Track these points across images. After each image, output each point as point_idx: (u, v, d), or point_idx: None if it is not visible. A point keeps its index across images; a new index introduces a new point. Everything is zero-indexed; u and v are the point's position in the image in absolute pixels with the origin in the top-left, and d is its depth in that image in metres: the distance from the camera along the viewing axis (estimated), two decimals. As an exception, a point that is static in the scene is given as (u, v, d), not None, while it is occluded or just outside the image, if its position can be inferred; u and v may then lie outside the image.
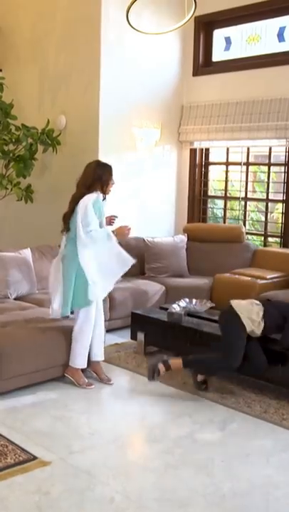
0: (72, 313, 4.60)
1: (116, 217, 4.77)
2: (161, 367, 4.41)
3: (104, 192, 4.50)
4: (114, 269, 4.54)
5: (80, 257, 4.40)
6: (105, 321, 5.68)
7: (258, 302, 4.45)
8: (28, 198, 7.02)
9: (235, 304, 4.40)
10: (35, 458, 3.41)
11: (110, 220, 4.72)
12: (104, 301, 4.79)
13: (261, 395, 4.41)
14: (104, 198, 4.53)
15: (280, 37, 6.76)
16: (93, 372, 4.66)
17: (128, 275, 6.56)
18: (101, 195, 4.47)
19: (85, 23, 6.80)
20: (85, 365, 4.57)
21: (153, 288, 6.31)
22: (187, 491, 3.16)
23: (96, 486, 3.16)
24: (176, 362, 4.42)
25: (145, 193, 7.33)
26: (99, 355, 4.67)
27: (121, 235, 4.53)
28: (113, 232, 4.48)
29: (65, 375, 4.57)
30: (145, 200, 7.32)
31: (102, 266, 4.45)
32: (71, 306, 4.52)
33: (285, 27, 6.72)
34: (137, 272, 6.74)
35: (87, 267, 4.41)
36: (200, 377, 4.50)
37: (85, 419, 4.05)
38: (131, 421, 4.11)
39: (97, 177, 4.45)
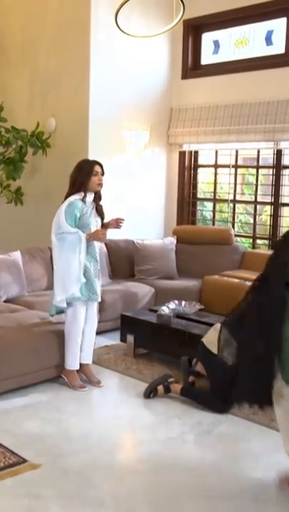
0: (62, 312, 4.62)
1: (123, 220, 4.64)
2: (160, 388, 4.42)
3: (87, 188, 4.44)
4: (72, 279, 4.42)
5: (53, 258, 4.47)
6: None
7: (217, 326, 4.03)
8: (18, 200, 7.02)
9: (206, 341, 4.25)
10: (25, 461, 3.42)
11: (117, 223, 4.63)
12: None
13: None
14: (93, 198, 4.51)
15: (268, 40, 6.82)
16: (83, 374, 4.66)
17: (118, 277, 6.64)
18: (82, 195, 4.42)
19: (75, 26, 6.82)
20: (76, 367, 4.58)
21: (142, 290, 6.34)
22: (177, 494, 3.18)
23: (86, 489, 3.18)
24: (176, 387, 4.42)
25: (134, 195, 7.35)
26: (87, 358, 4.68)
27: (94, 237, 4.45)
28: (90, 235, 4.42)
29: (61, 375, 4.60)
30: (134, 203, 7.35)
31: (65, 270, 4.41)
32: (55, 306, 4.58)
33: (272, 31, 6.77)
34: (126, 274, 6.78)
35: (55, 269, 4.45)
36: (191, 378, 4.53)
37: (75, 421, 4.06)
38: (121, 423, 4.13)
39: (80, 172, 4.45)
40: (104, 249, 6.50)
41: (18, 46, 7.53)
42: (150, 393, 4.40)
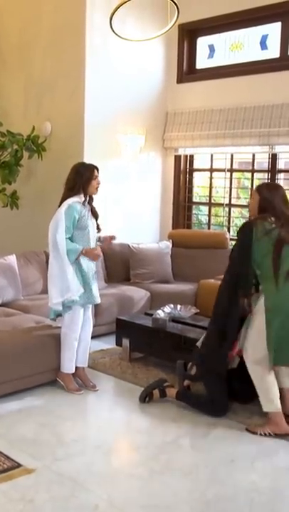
0: (60, 315, 4.60)
1: (114, 238, 4.90)
2: (155, 392, 4.41)
3: (87, 192, 4.50)
4: (69, 282, 4.42)
5: (49, 260, 4.49)
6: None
7: None
8: (13, 204, 7.01)
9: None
10: (19, 465, 3.41)
11: (111, 241, 4.90)
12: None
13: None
14: (88, 200, 4.53)
15: (263, 45, 6.84)
16: (78, 378, 4.65)
17: (113, 281, 6.64)
18: (82, 198, 4.47)
19: (70, 30, 6.82)
20: (72, 370, 4.58)
21: (138, 294, 6.33)
22: (172, 497, 3.17)
23: (80, 493, 3.17)
24: (171, 391, 4.42)
25: (130, 199, 7.36)
26: (82, 362, 4.67)
27: (89, 255, 4.49)
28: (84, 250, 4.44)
29: (57, 379, 4.59)
30: (130, 207, 7.35)
31: (62, 272, 4.41)
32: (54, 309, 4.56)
33: (267, 35, 6.79)
34: (122, 277, 6.77)
35: (50, 271, 4.46)
36: (186, 382, 4.52)
37: (70, 425, 4.05)
38: (116, 427, 4.12)
39: (79, 177, 4.47)
40: (100, 253, 6.47)
41: (13, 50, 7.53)
42: (146, 397, 4.39)
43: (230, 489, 3.26)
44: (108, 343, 5.67)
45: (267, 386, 3.92)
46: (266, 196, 4.05)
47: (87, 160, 6.62)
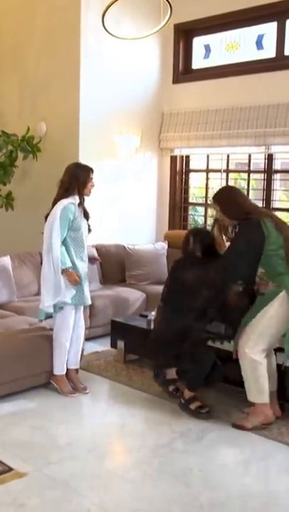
0: (51, 317, 4.57)
1: (99, 260, 5.31)
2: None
3: (82, 194, 4.49)
4: (62, 284, 4.40)
5: (43, 262, 4.46)
6: (86, 328, 5.68)
7: None
8: (8, 205, 6.97)
9: None
10: (11, 469, 3.37)
11: (94, 261, 5.08)
12: (84, 308, 4.78)
13: (240, 403, 4.39)
14: (81, 202, 4.50)
15: (259, 45, 6.80)
16: (69, 380, 4.60)
17: (109, 282, 6.60)
18: (77, 199, 4.45)
19: (64, 31, 6.79)
20: (63, 372, 4.54)
21: (134, 295, 6.30)
22: (164, 502, 3.14)
23: (72, 498, 3.13)
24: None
25: (126, 200, 7.32)
26: (74, 363, 4.63)
27: (69, 277, 4.39)
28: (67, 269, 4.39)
29: (51, 381, 4.55)
30: (126, 207, 7.31)
31: (55, 275, 4.38)
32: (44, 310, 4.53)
33: (263, 35, 6.76)
34: (117, 279, 6.74)
35: (44, 273, 4.43)
36: (171, 388, 4.49)
37: (63, 429, 4.01)
38: (109, 430, 4.09)
39: (75, 178, 4.44)
40: (95, 254, 6.44)
41: (7, 51, 7.50)
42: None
43: (224, 493, 3.23)
44: (103, 345, 5.64)
45: (260, 377, 3.93)
46: (227, 202, 4.11)
47: (82, 160, 6.58)
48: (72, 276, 4.39)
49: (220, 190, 4.48)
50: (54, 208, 4.42)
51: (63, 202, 4.41)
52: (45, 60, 7.06)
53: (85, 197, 4.55)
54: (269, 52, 6.73)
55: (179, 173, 7.74)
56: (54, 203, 4.46)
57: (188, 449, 3.77)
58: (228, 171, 7.32)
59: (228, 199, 4.14)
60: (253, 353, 3.93)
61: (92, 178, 4.53)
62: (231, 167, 7.38)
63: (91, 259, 4.86)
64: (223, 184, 7.34)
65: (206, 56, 7.35)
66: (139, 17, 6.89)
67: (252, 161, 7.08)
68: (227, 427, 4.05)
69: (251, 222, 3.97)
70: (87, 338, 5.60)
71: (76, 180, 4.44)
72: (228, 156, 7.25)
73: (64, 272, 4.36)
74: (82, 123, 6.76)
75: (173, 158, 7.67)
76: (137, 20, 6.87)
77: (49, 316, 4.56)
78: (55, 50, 6.92)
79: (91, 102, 6.79)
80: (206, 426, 4.07)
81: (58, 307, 4.43)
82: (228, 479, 3.40)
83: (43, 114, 7.11)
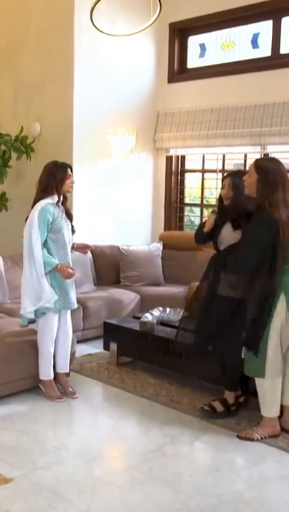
0: (35, 321, 4.47)
1: (90, 247, 4.87)
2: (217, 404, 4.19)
3: (61, 192, 4.36)
4: (43, 289, 4.28)
5: (23, 266, 4.34)
6: (79, 330, 5.62)
7: None
8: (2, 205, 6.91)
9: None
10: (-3, 475, 3.31)
11: (85, 251, 4.79)
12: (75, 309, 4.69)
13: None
14: (62, 201, 4.40)
15: (254, 43, 6.73)
16: (58, 384, 4.51)
17: (103, 284, 6.53)
18: (55, 199, 4.34)
19: (58, 31, 6.73)
20: (50, 377, 4.43)
21: (128, 297, 6.22)
22: (152, 508, 3.05)
23: (59, 504, 3.05)
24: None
25: (121, 200, 7.25)
26: (63, 367, 4.54)
27: (62, 272, 4.28)
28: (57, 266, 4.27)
29: (39, 385, 4.46)
30: (121, 208, 7.24)
31: (35, 281, 4.27)
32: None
33: (258, 34, 6.69)
34: (111, 280, 6.66)
35: (24, 278, 4.32)
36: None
37: (52, 433, 3.93)
38: (100, 434, 4.01)
39: (52, 176, 4.32)
40: (90, 255, 6.38)
41: (1, 51, 7.43)
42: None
43: (214, 499, 3.15)
44: (96, 347, 5.57)
45: (274, 393, 3.82)
46: (270, 180, 3.64)
47: (76, 161, 6.57)
48: (64, 271, 4.27)
49: (269, 159, 4.13)
50: (32, 209, 4.31)
51: (41, 203, 4.29)
52: (39, 61, 6.99)
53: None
54: (264, 51, 6.66)
55: (175, 174, 7.67)
56: (33, 205, 4.35)
57: (179, 454, 3.69)
58: (223, 171, 7.25)
59: (273, 176, 3.66)
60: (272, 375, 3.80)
61: (70, 175, 4.39)
62: (227, 167, 7.30)
63: (81, 248, 4.70)
64: (219, 184, 7.27)
65: (202, 55, 7.28)
66: (135, 16, 6.80)
67: (248, 161, 7.00)
68: (220, 430, 3.97)
69: (266, 216, 3.64)
70: (80, 340, 5.53)
71: (53, 178, 4.31)
72: (223, 156, 7.18)
73: (54, 270, 4.26)
74: (76, 123, 6.69)
75: (168, 159, 7.60)
76: (132, 19, 6.78)
77: (32, 321, 4.45)
78: (49, 50, 6.85)
79: (85, 102, 6.72)
80: (199, 429, 3.99)
81: (41, 312, 4.32)
82: (219, 485, 3.31)
83: (37, 114, 7.05)
